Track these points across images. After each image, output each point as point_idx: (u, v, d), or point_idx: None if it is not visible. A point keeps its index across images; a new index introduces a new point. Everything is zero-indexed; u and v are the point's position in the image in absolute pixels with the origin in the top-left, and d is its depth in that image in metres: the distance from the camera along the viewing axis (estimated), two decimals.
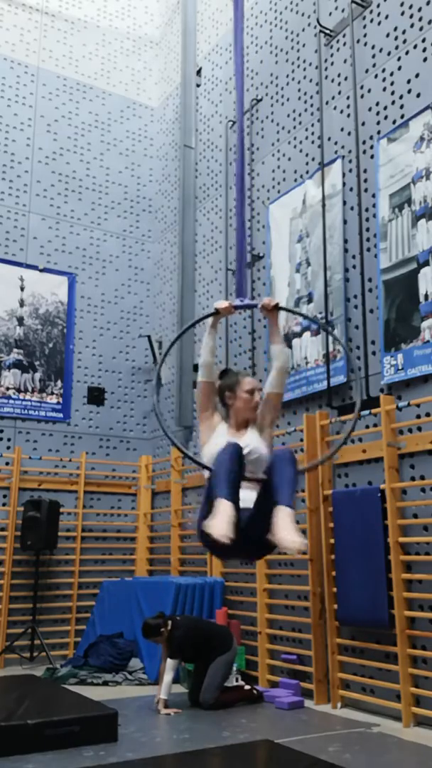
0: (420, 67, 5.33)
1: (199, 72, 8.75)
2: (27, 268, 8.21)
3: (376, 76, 5.77)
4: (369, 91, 5.83)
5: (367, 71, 5.88)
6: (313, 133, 6.49)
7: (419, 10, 5.40)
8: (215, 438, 3.26)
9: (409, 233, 5.16)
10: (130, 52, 9.66)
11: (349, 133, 5.99)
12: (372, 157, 5.68)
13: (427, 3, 5.33)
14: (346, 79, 6.11)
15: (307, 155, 6.55)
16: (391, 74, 5.61)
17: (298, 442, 5.89)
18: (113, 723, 4.28)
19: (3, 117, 8.41)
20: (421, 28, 5.36)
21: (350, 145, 5.95)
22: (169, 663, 5.13)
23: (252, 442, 3.22)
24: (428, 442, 4.76)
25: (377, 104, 5.72)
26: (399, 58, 5.55)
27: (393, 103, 5.56)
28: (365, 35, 5.95)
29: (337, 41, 6.29)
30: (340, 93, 6.20)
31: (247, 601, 6.35)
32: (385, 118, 5.61)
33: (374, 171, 5.60)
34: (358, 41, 6.01)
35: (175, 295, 8.46)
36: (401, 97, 5.49)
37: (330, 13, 6.41)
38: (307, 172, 6.48)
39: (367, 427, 5.34)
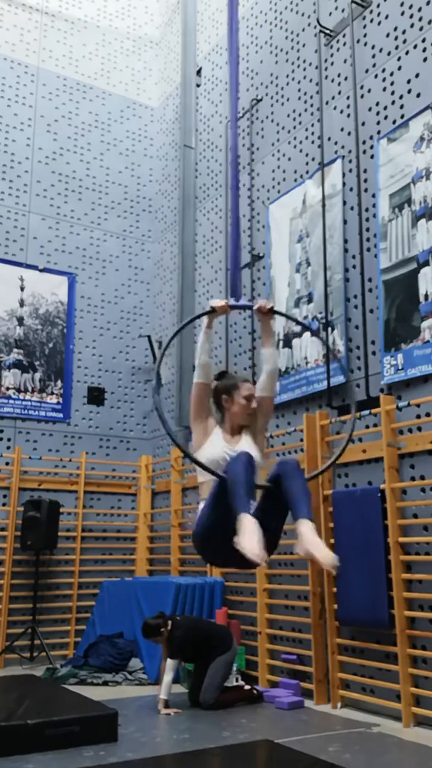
0: (420, 67, 5.33)
1: (199, 72, 8.75)
2: (27, 268, 8.21)
3: (376, 76, 5.77)
4: (369, 91, 5.83)
5: (367, 71, 5.88)
6: (313, 133, 6.49)
7: (419, 10, 5.40)
8: (211, 443, 3.24)
9: (409, 233, 5.16)
10: (130, 52, 9.66)
11: (349, 133, 5.99)
12: (372, 157, 5.68)
13: (427, 3, 5.33)
14: (346, 79, 6.11)
15: (307, 155, 6.55)
16: (391, 74, 5.61)
17: (298, 442, 5.89)
18: (113, 723, 4.28)
19: (3, 117, 8.41)
20: (421, 28, 5.36)
21: (350, 145, 5.95)
22: (169, 663, 5.13)
23: (247, 448, 3.21)
24: (428, 442, 4.76)
25: (377, 104, 5.72)
26: (399, 58, 5.55)
27: (393, 103, 5.56)
28: (365, 35, 5.95)
29: (337, 41, 6.29)
30: (340, 93, 6.20)
31: (247, 601, 6.35)
32: (385, 118, 5.61)
33: (374, 171, 5.60)
34: (358, 41, 6.01)
35: (175, 295, 8.46)
36: (401, 97, 5.49)
37: (330, 13, 6.41)
38: (307, 172, 6.49)
39: (367, 427, 5.34)
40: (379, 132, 5.65)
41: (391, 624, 4.72)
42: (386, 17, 5.73)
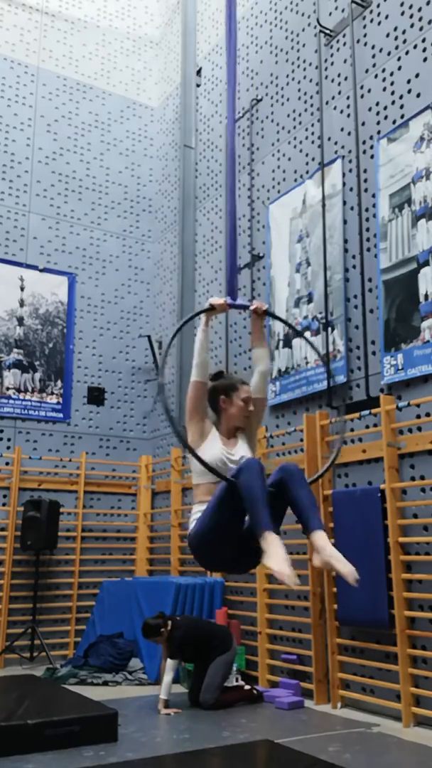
0: (420, 67, 5.33)
1: (199, 72, 8.75)
2: (27, 268, 8.21)
3: (376, 76, 5.77)
4: (369, 91, 5.83)
5: (367, 71, 5.88)
6: (313, 133, 6.49)
7: (419, 10, 5.40)
8: (208, 446, 3.18)
9: (409, 233, 5.16)
10: (130, 52, 9.66)
11: (349, 133, 5.99)
12: (372, 157, 5.68)
13: (427, 3, 5.33)
14: (346, 79, 6.11)
15: (307, 155, 6.55)
16: (391, 74, 5.61)
17: (298, 442, 5.90)
18: (113, 723, 4.28)
19: (3, 117, 8.41)
20: (421, 28, 5.36)
21: (350, 145, 5.95)
22: (169, 663, 5.13)
23: (243, 451, 3.20)
24: (428, 442, 4.76)
25: (377, 104, 5.72)
26: (399, 58, 5.55)
27: (393, 103, 5.56)
28: (365, 35, 5.95)
29: (337, 41, 6.29)
30: (340, 93, 6.20)
31: (247, 601, 6.35)
32: (385, 118, 5.61)
33: (374, 171, 5.60)
34: (358, 41, 6.01)
35: (175, 295, 8.47)
36: (401, 97, 5.49)
37: (330, 13, 6.41)
38: (307, 172, 6.49)
39: (367, 427, 5.34)
40: (379, 132, 5.65)
41: (391, 624, 4.72)
42: (386, 17, 5.73)
